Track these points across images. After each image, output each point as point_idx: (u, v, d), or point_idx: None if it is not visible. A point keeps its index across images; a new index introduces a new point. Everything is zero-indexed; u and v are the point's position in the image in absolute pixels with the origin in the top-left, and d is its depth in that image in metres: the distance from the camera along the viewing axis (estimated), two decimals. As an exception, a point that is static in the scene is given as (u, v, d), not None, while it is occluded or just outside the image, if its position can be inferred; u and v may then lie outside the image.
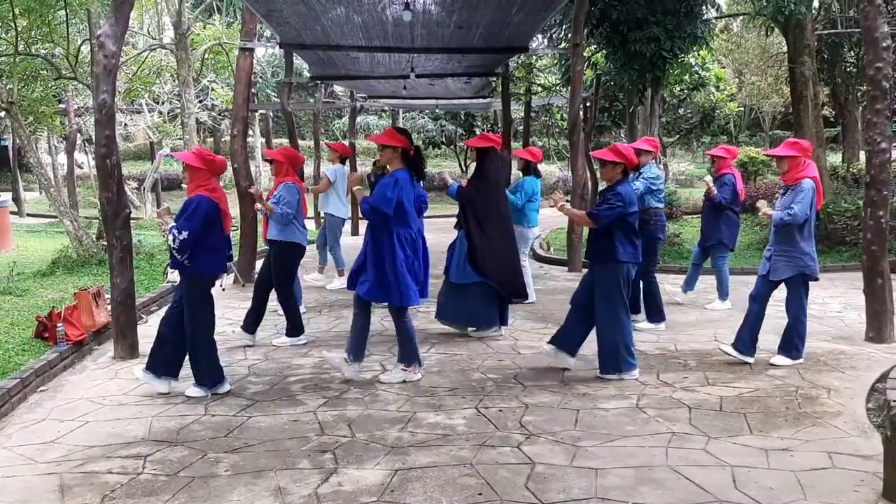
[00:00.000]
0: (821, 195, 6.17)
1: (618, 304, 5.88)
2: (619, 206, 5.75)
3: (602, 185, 6.41)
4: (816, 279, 6.19)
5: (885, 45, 6.59)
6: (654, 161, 7.78)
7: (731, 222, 8.41)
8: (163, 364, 5.68)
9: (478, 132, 28.58)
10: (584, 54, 14.08)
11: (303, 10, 9.18)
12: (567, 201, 6.66)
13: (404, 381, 5.90)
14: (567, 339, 6.12)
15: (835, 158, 24.42)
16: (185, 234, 5.37)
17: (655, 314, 7.68)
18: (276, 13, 9.40)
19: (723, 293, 8.63)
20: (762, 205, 6.28)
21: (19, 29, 10.92)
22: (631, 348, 5.98)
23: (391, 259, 5.73)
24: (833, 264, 11.17)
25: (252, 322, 7.27)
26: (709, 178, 8.46)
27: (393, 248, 5.74)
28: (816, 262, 6.13)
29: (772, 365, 6.18)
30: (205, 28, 19.15)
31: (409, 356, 6.00)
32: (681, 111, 26.43)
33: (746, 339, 6.30)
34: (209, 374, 5.66)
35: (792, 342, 6.22)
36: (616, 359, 5.91)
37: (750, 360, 6.26)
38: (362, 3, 8.94)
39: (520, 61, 18.63)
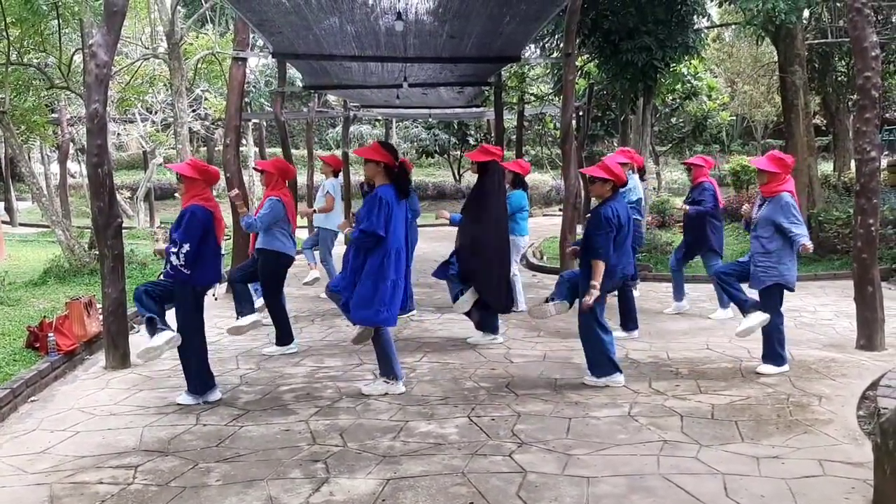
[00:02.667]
0: (798, 206, 6.25)
1: (593, 319, 5.91)
2: (607, 232, 5.75)
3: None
4: (792, 290, 6.22)
5: (873, 54, 6.64)
6: (631, 171, 7.90)
7: (716, 228, 8.59)
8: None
9: (471, 141, 28.69)
10: (577, 64, 14.16)
11: (295, 21, 9.19)
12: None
13: (386, 394, 5.84)
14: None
15: (826, 167, 24.53)
16: (187, 247, 5.43)
17: (630, 323, 7.72)
18: (268, 23, 9.41)
19: (724, 301, 8.55)
20: (803, 247, 6.06)
21: (11, 38, 10.92)
22: (614, 360, 6.01)
23: (379, 278, 5.62)
24: (824, 272, 11.22)
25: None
26: (683, 206, 8.65)
27: (382, 267, 5.63)
28: (794, 272, 6.16)
29: (758, 374, 6.19)
30: (198, 38, 19.15)
31: (387, 371, 5.92)
32: (673, 120, 26.57)
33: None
34: (200, 382, 5.69)
35: (773, 350, 6.24)
36: (602, 367, 5.98)
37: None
38: (355, 13, 8.96)
39: (512, 71, 18.67)
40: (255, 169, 9.70)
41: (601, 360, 5.96)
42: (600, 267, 5.75)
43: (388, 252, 5.62)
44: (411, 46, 10.66)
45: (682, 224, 9.73)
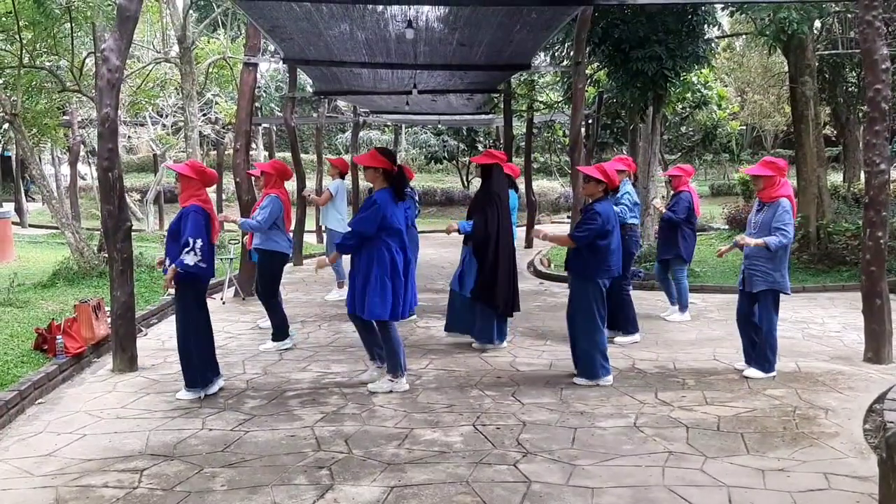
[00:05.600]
0: (794, 212, 6.39)
1: (594, 314, 6.22)
2: (595, 225, 6.08)
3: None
4: (787, 293, 6.43)
5: (884, 66, 6.62)
6: (628, 179, 8.10)
7: (686, 237, 8.84)
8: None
9: (480, 148, 28.71)
10: (587, 72, 14.16)
11: (306, 27, 9.23)
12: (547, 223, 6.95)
13: (391, 391, 6.05)
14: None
15: (836, 178, 24.45)
16: (201, 242, 5.71)
17: (630, 326, 7.85)
18: (279, 29, 9.45)
19: (682, 305, 9.00)
20: (741, 238, 6.42)
21: (24, 41, 10.98)
22: (606, 355, 6.31)
23: (378, 274, 5.89)
24: (833, 284, 11.16)
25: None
26: (657, 202, 8.94)
27: (383, 263, 5.90)
28: (787, 278, 6.36)
29: (745, 377, 6.38)
30: (209, 42, 19.24)
31: (393, 367, 6.14)
32: (683, 129, 26.54)
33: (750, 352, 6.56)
34: (200, 375, 5.91)
35: (764, 355, 6.40)
36: (593, 367, 6.25)
37: (772, 373, 6.45)
38: (365, 20, 8.99)
39: (521, 78, 18.70)
40: (248, 173, 9.84)
41: (594, 360, 6.26)
42: (566, 239, 6.24)
43: (394, 249, 5.94)
44: (421, 54, 10.70)
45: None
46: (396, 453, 4.74)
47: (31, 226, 24.54)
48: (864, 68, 6.89)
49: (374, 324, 6.14)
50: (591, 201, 6.31)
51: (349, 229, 6.01)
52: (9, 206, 24.29)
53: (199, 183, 5.95)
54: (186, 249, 5.65)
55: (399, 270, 5.94)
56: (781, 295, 6.42)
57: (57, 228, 15.70)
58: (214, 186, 22.61)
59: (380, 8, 8.16)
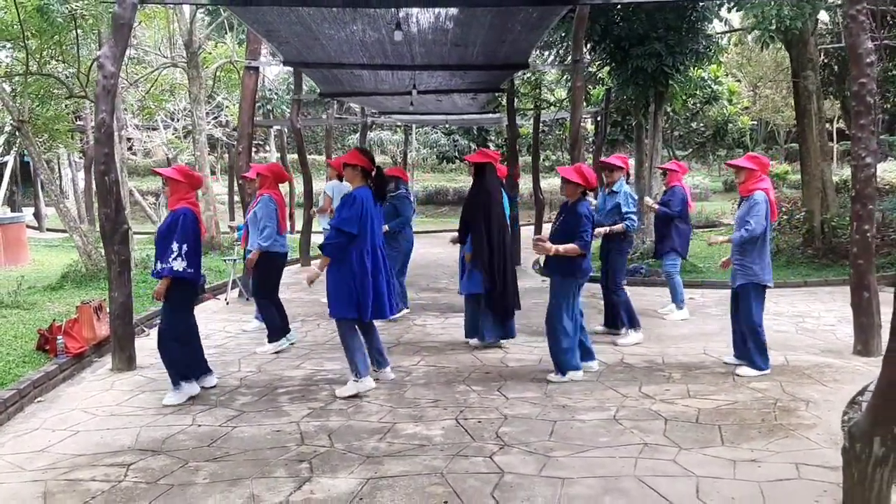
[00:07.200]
0: (774, 208, 6.44)
1: (570, 309, 6.27)
2: (589, 227, 6.18)
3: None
4: (768, 287, 6.42)
5: (868, 60, 6.63)
6: (624, 178, 8.08)
7: (681, 232, 8.87)
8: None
9: (491, 146, 28.75)
10: (591, 70, 14.19)
11: (301, 31, 9.35)
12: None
13: (357, 394, 5.98)
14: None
15: (849, 171, 24.29)
16: (186, 247, 5.81)
17: (617, 320, 7.94)
18: (275, 33, 9.58)
19: (677, 300, 8.97)
20: (713, 239, 6.66)
21: (31, 49, 11.20)
22: (575, 349, 6.36)
23: (355, 274, 5.92)
24: (835, 278, 11.15)
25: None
26: (648, 200, 9.11)
27: (359, 263, 5.93)
28: (767, 271, 6.37)
29: (738, 375, 6.37)
30: (216, 46, 19.45)
31: (354, 368, 6.08)
32: (694, 125, 26.44)
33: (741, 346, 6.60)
34: (180, 374, 5.98)
35: (749, 356, 6.44)
36: (564, 360, 6.31)
37: (767, 370, 6.47)
38: (357, 22, 9.09)
39: (525, 77, 18.75)
40: (243, 177, 9.98)
41: (559, 358, 6.32)
42: (575, 248, 6.09)
43: (366, 250, 5.96)
44: (418, 55, 10.79)
45: (695, 227, 9.97)
46: (377, 447, 4.85)
47: (49, 230, 24.91)
48: (850, 63, 6.89)
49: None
50: (571, 202, 6.32)
51: (332, 228, 5.95)
52: (27, 210, 24.69)
53: (187, 186, 6.04)
54: (173, 255, 5.76)
55: (367, 268, 5.93)
56: (769, 289, 6.47)
57: (72, 232, 15.96)
58: (226, 189, 22.85)
59: (370, 11, 8.27)
